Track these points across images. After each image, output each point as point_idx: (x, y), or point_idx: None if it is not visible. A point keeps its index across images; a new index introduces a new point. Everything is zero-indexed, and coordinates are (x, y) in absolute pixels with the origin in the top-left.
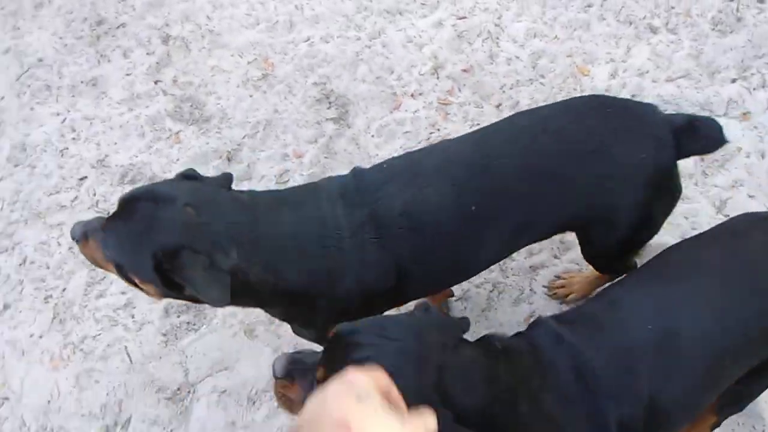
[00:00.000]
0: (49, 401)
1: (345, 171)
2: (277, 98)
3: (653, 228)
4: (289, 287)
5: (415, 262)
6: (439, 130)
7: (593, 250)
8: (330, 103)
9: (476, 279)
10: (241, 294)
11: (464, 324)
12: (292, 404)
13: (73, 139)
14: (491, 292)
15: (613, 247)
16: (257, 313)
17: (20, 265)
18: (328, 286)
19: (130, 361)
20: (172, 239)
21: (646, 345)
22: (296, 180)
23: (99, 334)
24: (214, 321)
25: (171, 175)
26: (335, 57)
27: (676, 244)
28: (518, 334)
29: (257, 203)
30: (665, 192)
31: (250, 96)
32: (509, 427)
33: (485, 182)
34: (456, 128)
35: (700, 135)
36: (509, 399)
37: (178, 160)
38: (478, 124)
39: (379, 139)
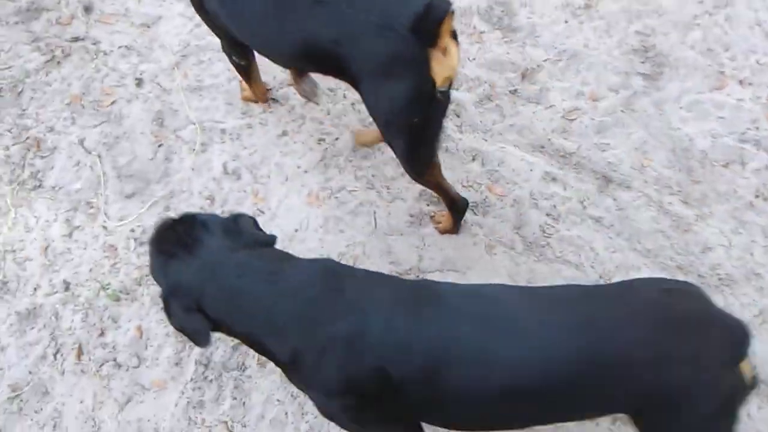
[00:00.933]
0: (296, 230)
1: (639, 130)
2: (592, 33)
3: (388, 110)
4: None
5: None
6: (758, 128)
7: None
8: (647, 57)
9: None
10: None
11: (269, 238)
12: None
13: None
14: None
15: (376, 112)
16: (503, 233)
17: (305, 103)
18: None
19: (375, 225)
20: None
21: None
22: (583, 122)
23: (355, 190)
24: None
25: (467, 71)
26: (669, 12)
27: None
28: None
29: None
30: (396, 79)
31: (565, 22)
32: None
33: None
34: None
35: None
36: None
37: (474, 59)
38: None
39: (688, 114)
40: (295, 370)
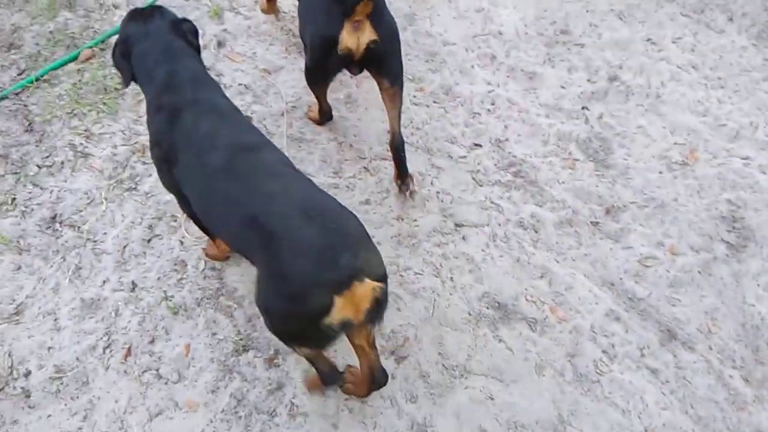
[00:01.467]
0: None
1: (712, 296)
2: (683, 190)
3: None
4: None
5: None
6: None
7: None
8: (734, 227)
9: None
10: None
11: (190, 28)
12: None
13: (488, 110)
14: None
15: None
16: (555, 357)
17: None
18: None
19: (432, 313)
20: None
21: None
22: (658, 271)
23: (420, 274)
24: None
25: (554, 192)
26: (764, 190)
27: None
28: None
29: None
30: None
31: (660, 172)
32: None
33: None
34: None
35: None
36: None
37: (563, 182)
38: None
39: (764, 293)
40: (148, 117)
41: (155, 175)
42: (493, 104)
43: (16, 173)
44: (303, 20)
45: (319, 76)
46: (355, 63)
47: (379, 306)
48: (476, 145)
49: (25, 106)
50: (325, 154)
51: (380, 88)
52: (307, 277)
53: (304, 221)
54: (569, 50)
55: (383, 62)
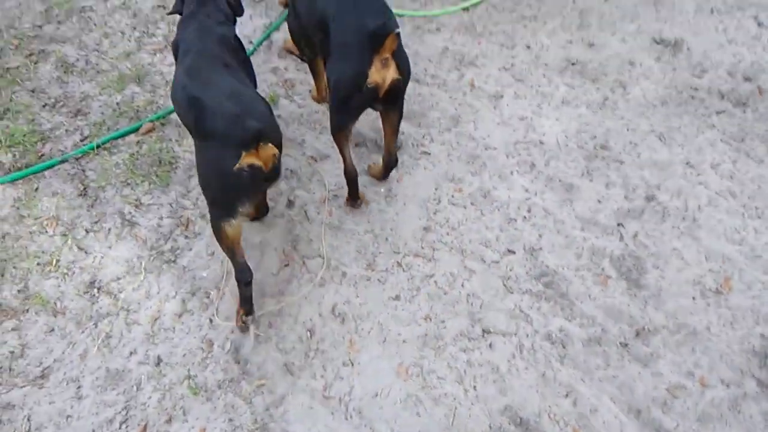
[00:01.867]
0: (376, 394)
1: None
2: (716, 319)
3: (333, 78)
4: None
5: None
6: None
7: None
8: (765, 363)
9: None
10: None
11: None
12: None
13: (524, 218)
14: None
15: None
16: None
17: (428, 276)
18: None
19: (452, 423)
20: None
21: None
22: (686, 403)
23: (443, 379)
24: None
25: (584, 307)
26: None
27: None
28: None
29: None
30: (348, 59)
31: (693, 298)
32: None
33: None
34: None
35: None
36: None
37: (594, 298)
38: None
39: None
40: (177, 31)
41: (195, 249)
42: (529, 212)
43: (64, 235)
44: (332, 60)
45: (345, 115)
46: (379, 99)
47: (275, 170)
48: (510, 251)
49: (83, 171)
50: (360, 245)
51: (384, 118)
52: (223, 132)
53: (226, 99)
54: (608, 166)
55: (399, 97)
